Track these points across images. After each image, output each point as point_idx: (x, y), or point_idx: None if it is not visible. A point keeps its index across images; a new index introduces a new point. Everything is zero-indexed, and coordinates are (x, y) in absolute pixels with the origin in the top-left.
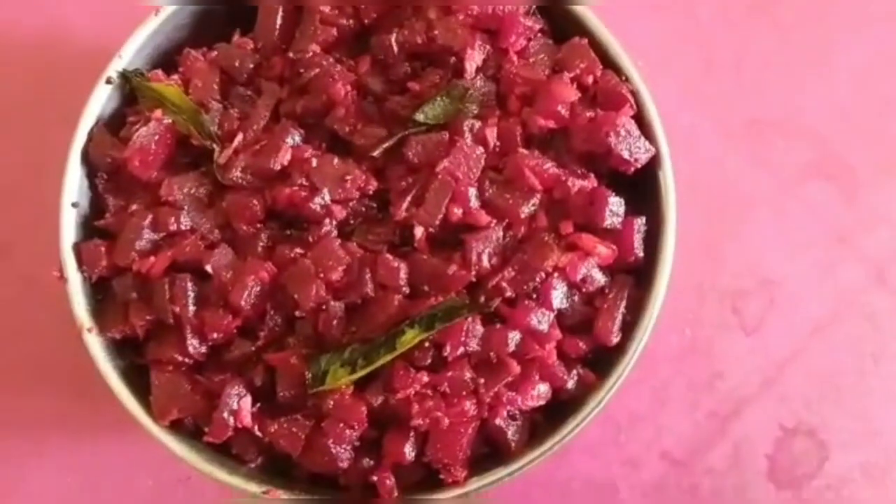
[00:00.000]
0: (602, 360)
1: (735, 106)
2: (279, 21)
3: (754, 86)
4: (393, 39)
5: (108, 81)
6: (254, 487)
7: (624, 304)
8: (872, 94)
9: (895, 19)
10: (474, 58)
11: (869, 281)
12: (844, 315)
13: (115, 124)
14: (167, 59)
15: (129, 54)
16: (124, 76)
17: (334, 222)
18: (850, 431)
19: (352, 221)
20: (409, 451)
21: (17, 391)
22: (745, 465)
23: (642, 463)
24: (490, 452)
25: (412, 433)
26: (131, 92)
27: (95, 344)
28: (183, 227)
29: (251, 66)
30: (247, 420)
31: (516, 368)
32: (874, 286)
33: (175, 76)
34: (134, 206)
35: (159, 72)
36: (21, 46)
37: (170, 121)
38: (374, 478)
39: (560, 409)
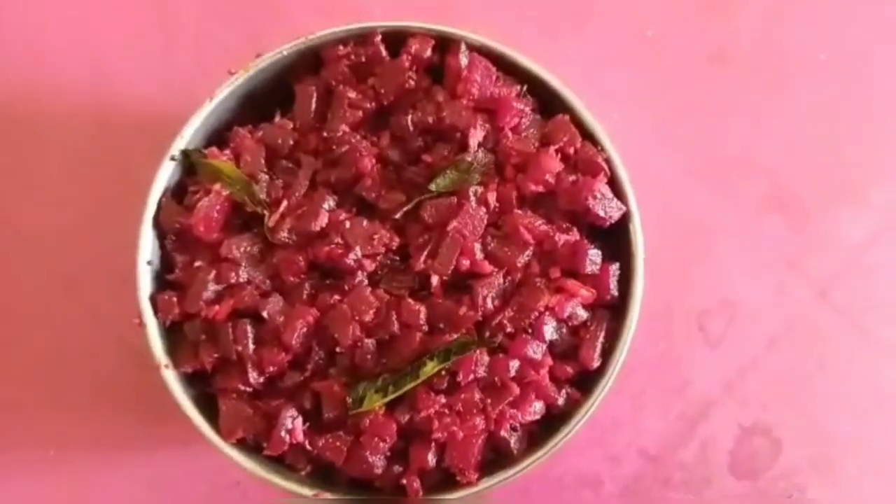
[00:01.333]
0: (586, 381)
1: (700, 146)
2: (314, 104)
3: (717, 128)
4: (409, 119)
5: (173, 158)
6: (306, 491)
7: (603, 334)
8: (821, 133)
9: (841, 64)
10: (476, 135)
11: (814, 299)
12: (794, 329)
13: (177, 193)
14: (218, 135)
15: (189, 134)
16: (185, 154)
17: (365, 273)
18: (800, 429)
19: (379, 272)
20: (431, 459)
21: (90, 413)
22: (710, 460)
23: (623, 459)
24: (496, 458)
25: (433, 444)
26: (190, 165)
27: (171, 377)
28: (241, 280)
29: (291, 142)
30: (299, 437)
31: (516, 390)
32: (819, 303)
33: (227, 151)
34: (199, 263)
35: (214, 149)
36: (79, 107)
37: (227, 192)
38: (404, 481)
39: (553, 422)
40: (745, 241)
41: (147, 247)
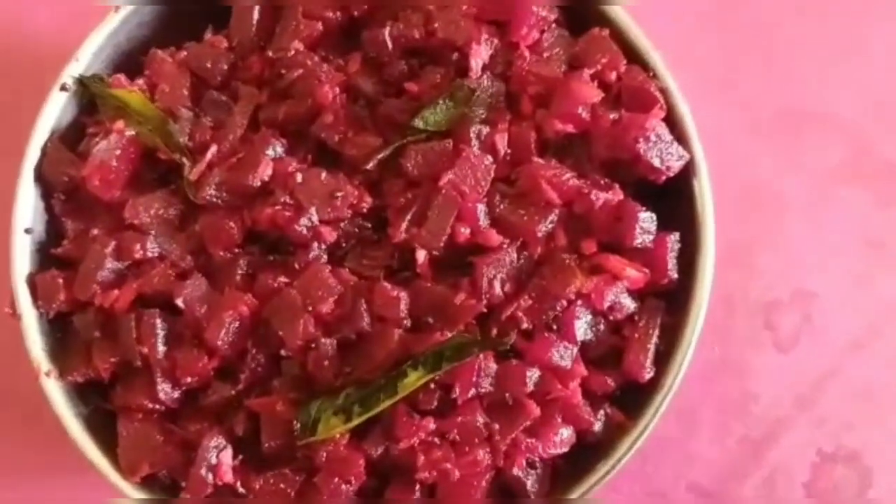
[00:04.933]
0: (633, 398)
1: (763, 98)
2: (256, 16)
3: (784, 75)
4: (387, 34)
5: (64, 88)
6: None
7: (657, 333)
8: None
9: None
10: (480, 54)
11: None
12: (884, 328)
13: (72, 137)
14: (131, 62)
15: (87, 57)
16: (82, 82)
17: (323, 246)
18: (894, 455)
19: (344, 244)
20: None
21: None
22: (781, 496)
23: (670, 496)
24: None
25: (418, 486)
26: (90, 100)
27: (55, 389)
28: (150, 255)
29: (226, 67)
30: (228, 476)
31: (536, 411)
32: None
33: (140, 81)
34: (95, 231)
35: (121, 76)
36: None
37: (133, 132)
38: None
39: (586, 454)
40: (821, 216)
41: (26, 208)
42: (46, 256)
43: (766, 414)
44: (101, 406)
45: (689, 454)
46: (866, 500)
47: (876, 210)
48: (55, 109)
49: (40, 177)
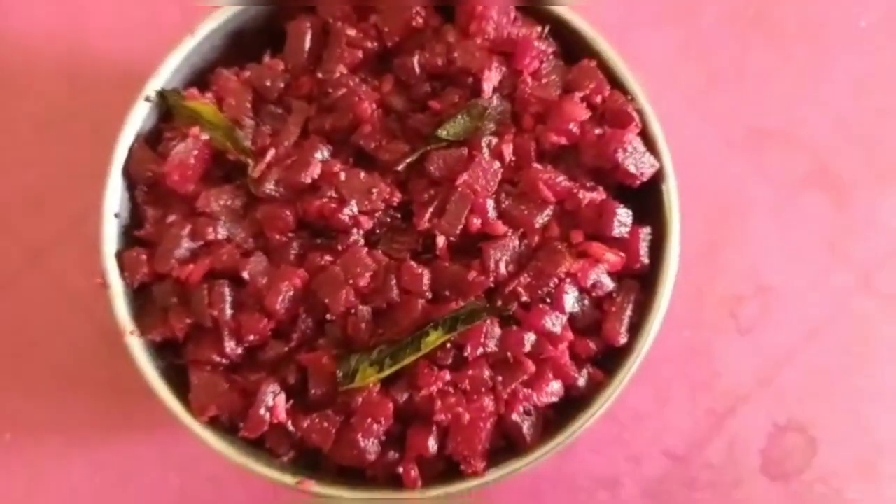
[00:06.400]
0: (610, 360)
1: (736, 116)
2: (308, 44)
3: (755, 97)
4: (415, 61)
5: (147, 99)
6: (288, 479)
7: (631, 307)
8: (867, 106)
9: (890, 32)
10: (491, 79)
11: (858, 286)
12: (835, 318)
13: (152, 139)
14: (201, 78)
15: (167, 74)
16: (161, 95)
17: (361, 232)
18: (839, 427)
19: (378, 231)
20: (431, 445)
21: (52, 393)
22: (740, 460)
23: (644, 458)
24: (506, 446)
25: (435, 428)
26: (168, 110)
27: (137, 346)
28: (220, 237)
29: (281, 85)
30: (282, 416)
31: (531, 367)
32: (863, 291)
33: (209, 94)
34: (172, 217)
35: (194, 90)
36: (55, 60)
37: (206, 137)
38: (399, 469)
39: (571, 406)
40: (783, 220)
41: (115, 197)
42: (131, 237)
43: (728, 390)
44: (173, 362)
45: (663, 424)
46: (812, 464)
47: (831, 216)
48: (139, 117)
49: (127, 172)
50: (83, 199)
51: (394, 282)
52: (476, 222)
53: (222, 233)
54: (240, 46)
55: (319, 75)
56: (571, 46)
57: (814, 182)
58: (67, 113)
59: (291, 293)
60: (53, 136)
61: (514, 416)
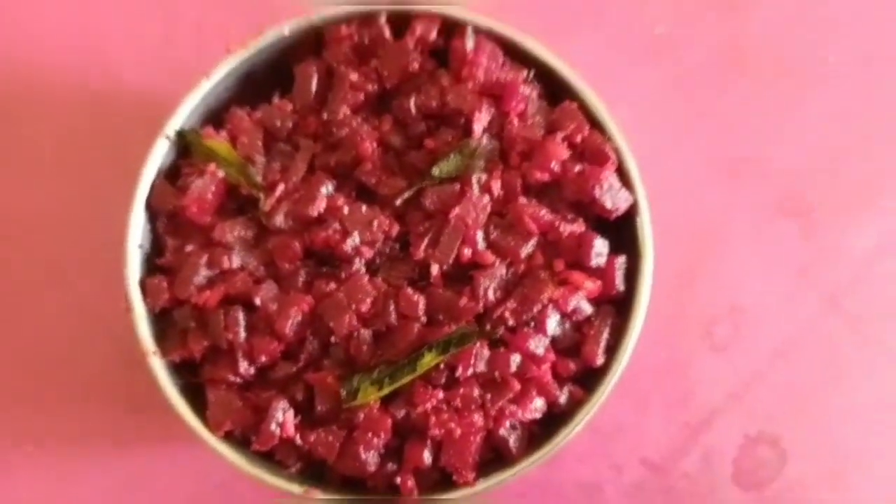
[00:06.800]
0: (589, 379)
1: (714, 148)
2: (314, 86)
3: (732, 130)
4: (411, 103)
5: (167, 138)
6: (296, 488)
7: (608, 330)
8: (836, 138)
9: (855, 74)
10: (481, 119)
11: (825, 308)
12: (803, 337)
13: (171, 174)
14: (216, 116)
15: (184, 114)
16: (180, 133)
17: (363, 261)
18: (807, 440)
19: (378, 260)
20: (426, 457)
21: (72, 407)
22: (714, 469)
23: (625, 467)
24: (495, 458)
25: (429, 441)
26: (185, 147)
27: (158, 366)
28: (234, 266)
29: (290, 124)
30: (290, 430)
31: (517, 386)
32: (830, 312)
33: (223, 132)
34: (190, 247)
35: (210, 129)
36: (77, 90)
37: (222, 174)
38: (398, 480)
39: (553, 421)
40: (755, 246)
41: (137, 229)
42: (152, 265)
43: (703, 404)
44: (191, 381)
45: (641, 435)
46: (781, 474)
47: (801, 241)
48: (160, 154)
49: (149, 205)
50: (103, 222)
51: (392, 307)
52: (467, 252)
53: (236, 262)
54: (251, 86)
55: (325, 116)
56: (555, 87)
57: (785, 210)
58: (88, 140)
59: (299, 318)
60: (75, 162)
61: (502, 431)
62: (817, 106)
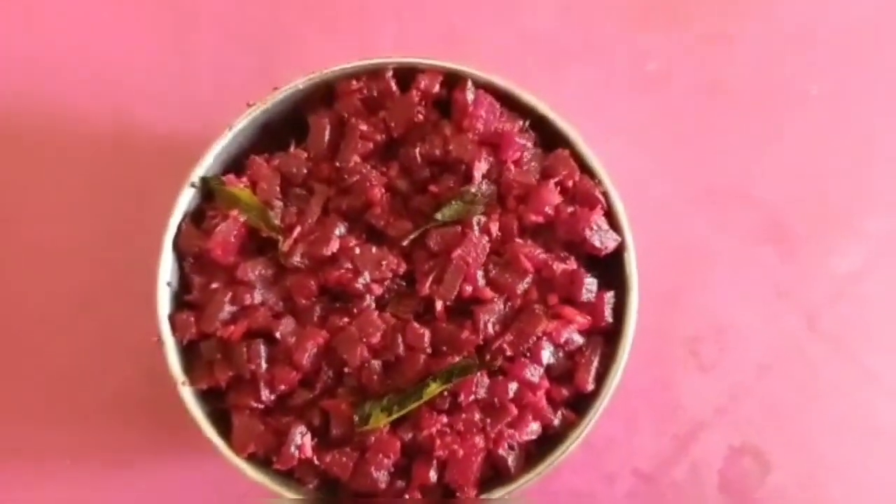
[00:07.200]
0: (581, 403)
1: (696, 177)
2: (327, 136)
3: (713, 159)
4: (416, 151)
5: (193, 185)
6: None
7: (597, 359)
8: (813, 165)
9: (832, 99)
10: (481, 167)
11: (803, 327)
12: (784, 356)
13: (196, 217)
14: (235, 163)
15: (208, 162)
16: (204, 180)
17: (373, 297)
18: (787, 452)
19: (386, 296)
20: (432, 475)
21: (104, 425)
22: (702, 479)
23: (617, 478)
24: (494, 475)
25: (435, 461)
26: (209, 192)
27: (188, 394)
28: (255, 302)
29: (305, 171)
30: (308, 452)
31: (514, 411)
32: (808, 332)
33: (244, 179)
34: (215, 285)
35: (232, 176)
36: (102, 128)
37: (244, 218)
38: (406, 496)
39: (548, 441)
40: (737, 270)
41: (167, 268)
42: (181, 302)
43: (690, 418)
44: (217, 407)
45: (632, 448)
46: (765, 483)
47: (780, 265)
48: (186, 199)
49: (176, 246)
50: (128, 254)
51: (400, 340)
52: (468, 289)
53: (258, 298)
54: (268, 135)
55: (337, 163)
56: (548, 135)
57: (765, 235)
58: (113, 176)
59: (315, 350)
60: (101, 196)
61: (501, 451)
62: (796, 133)
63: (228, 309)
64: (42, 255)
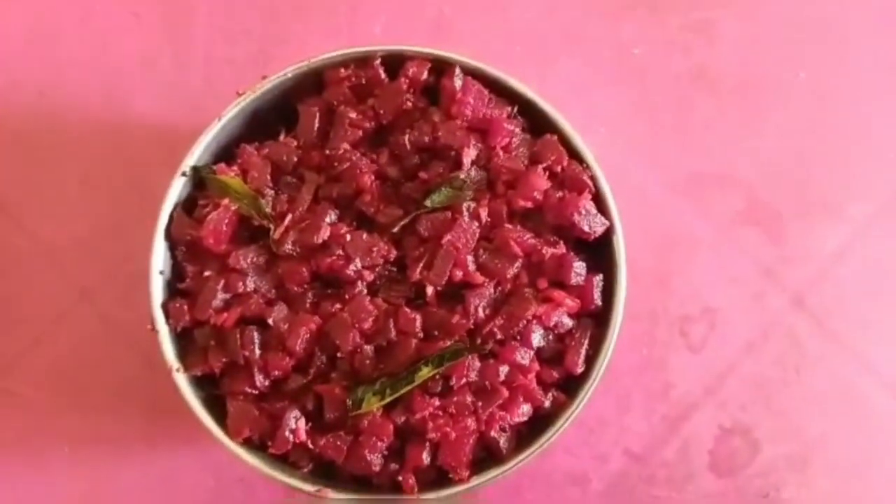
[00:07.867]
0: (571, 384)
1: (682, 162)
2: (316, 124)
3: (695, 144)
4: (406, 138)
5: (184, 174)
6: (308, 487)
7: (587, 341)
8: (797, 149)
9: (817, 86)
10: (470, 153)
11: (790, 307)
12: (771, 335)
13: (188, 205)
14: (226, 152)
15: (199, 151)
16: (195, 169)
17: (364, 283)
18: (776, 430)
19: (378, 282)
20: (425, 458)
21: (102, 411)
22: (692, 459)
23: (609, 458)
24: (486, 456)
25: (428, 444)
26: (201, 181)
27: (182, 380)
28: (248, 289)
29: (295, 159)
30: (302, 436)
31: (506, 393)
32: (794, 311)
33: (234, 167)
34: (208, 273)
35: (223, 165)
36: (98, 122)
37: (235, 206)
38: (400, 478)
39: (540, 423)
40: (723, 251)
41: (159, 257)
42: (174, 290)
43: (680, 399)
44: (212, 393)
45: (624, 428)
46: (753, 462)
47: (765, 246)
48: (177, 188)
49: (169, 235)
50: (124, 243)
51: (392, 325)
52: (458, 274)
53: (250, 285)
54: (257, 124)
55: (327, 151)
56: (536, 121)
57: (749, 217)
58: (110, 169)
59: (308, 335)
60: (98, 188)
61: (493, 433)
62: (779, 117)
63: (221, 296)
64: (36, 245)
